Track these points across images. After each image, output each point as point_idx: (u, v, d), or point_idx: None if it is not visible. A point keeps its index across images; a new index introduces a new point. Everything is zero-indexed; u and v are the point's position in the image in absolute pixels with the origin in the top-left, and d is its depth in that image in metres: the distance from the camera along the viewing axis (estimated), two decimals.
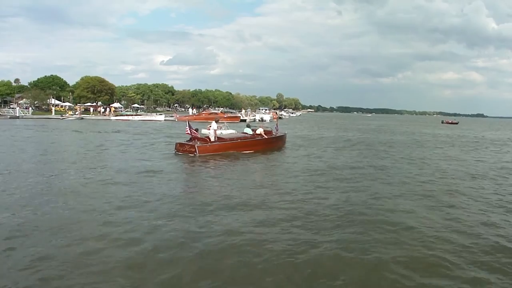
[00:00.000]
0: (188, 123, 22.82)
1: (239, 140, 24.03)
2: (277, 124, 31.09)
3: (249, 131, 25.69)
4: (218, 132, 24.36)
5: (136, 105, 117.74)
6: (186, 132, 22.44)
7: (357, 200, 12.03)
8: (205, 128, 26.71)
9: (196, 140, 22.04)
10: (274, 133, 27.07)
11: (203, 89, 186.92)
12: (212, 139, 22.64)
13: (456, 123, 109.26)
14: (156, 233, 8.48)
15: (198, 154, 20.92)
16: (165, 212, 10.12)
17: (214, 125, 23.71)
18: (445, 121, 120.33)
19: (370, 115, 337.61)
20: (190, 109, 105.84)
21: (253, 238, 8.37)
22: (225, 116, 74.55)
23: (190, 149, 21.41)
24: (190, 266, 6.96)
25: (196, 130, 22.75)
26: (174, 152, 22.26)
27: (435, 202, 12.17)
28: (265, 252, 7.61)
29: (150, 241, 7.98)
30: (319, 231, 8.89)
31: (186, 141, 22.59)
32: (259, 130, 25.86)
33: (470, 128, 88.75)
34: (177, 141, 23.49)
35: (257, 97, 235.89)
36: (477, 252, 7.93)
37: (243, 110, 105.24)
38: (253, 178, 15.94)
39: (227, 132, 26.16)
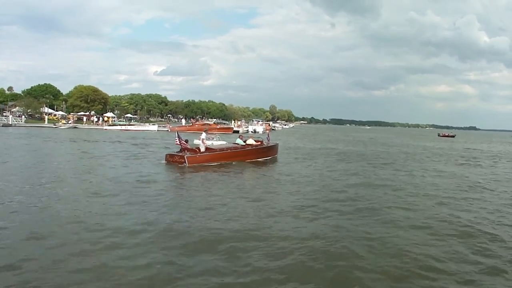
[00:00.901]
0: (178, 134, 23.02)
1: (229, 151, 24.30)
2: (268, 134, 31.46)
3: (240, 141, 25.97)
4: (209, 143, 24.60)
5: (129, 115, 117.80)
6: (176, 143, 22.71)
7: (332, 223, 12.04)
8: (197, 139, 26.92)
9: (186, 151, 22.27)
10: (265, 144, 27.42)
11: (196, 100, 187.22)
12: (202, 149, 22.87)
13: (453, 136, 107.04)
14: (136, 240, 8.75)
15: (187, 165, 21.15)
16: (149, 221, 10.36)
17: (203, 135, 23.99)
18: (441, 134, 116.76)
19: (369, 127, 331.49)
20: (183, 120, 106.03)
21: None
22: (218, 127, 74.99)
23: (180, 159, 21.66)
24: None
25: (186, 141, 22.95)
26: (164, 162, 22.50)
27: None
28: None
29: (131, 247, 8.26)
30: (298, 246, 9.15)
31: (177, 151, 22.87)
32: (250, 141, 26.26)
33: (469, 141, 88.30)
34: (167, 152, 23.84)
35: (250, 109, 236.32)
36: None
37: (233, 121, 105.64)
38: (240, 188, 16.09)
39: (218, 143, 26.44)
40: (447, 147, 54.48)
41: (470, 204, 14.42)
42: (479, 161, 33.82)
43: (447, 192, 16.73)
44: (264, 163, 24.57)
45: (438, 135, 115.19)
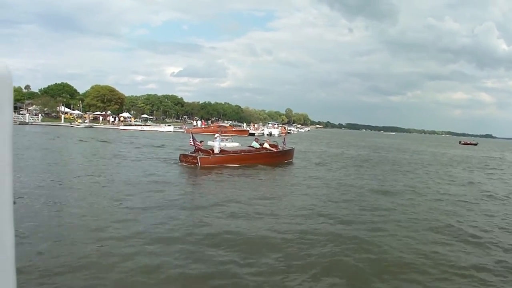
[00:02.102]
0: (192, 135, 23.01)
1: (242, 153, 24.10)
2: (284, 138, 31.11)
3: (255, 144, 25.61)
4: (222, 144, 24.35)
5: (145, 115, 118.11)
6: (190, 143, 22.72)
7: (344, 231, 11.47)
8: (211, 141, 26.76)
9: (199, 152, 22.20)
10: (280, 148, 26.96)
11: (212, 102, 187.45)
12: (216, 151, 22.76)
13: (475, 144, 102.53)
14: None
15: (200, 166, 21.10)
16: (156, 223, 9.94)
17: (217, 137, 24.02)
18: (463, 142, 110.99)
19: (393, 133, 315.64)
20: (198, 122, 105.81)
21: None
22: (234, 129, 74.81)
23: (193, 160, 21.66)
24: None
25: (201, 142, 23.04)
26: (178, 163, 22.49)
27: None
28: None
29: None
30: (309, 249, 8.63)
31: (190, 152, 22.80)
32: (265, 144, 25.85)
33: (495, 149, 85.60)
34: (181, 153, 23.75)
35: (266, 111, 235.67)
36: None
37: (245, 124, 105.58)
38: (248, 191, 15.71)
39: (231, 145, 26.12)
40: (487, 156, 53.00)
41: None
42: None
43: None
44: (278, 167, 23.97)
45: (460, 142, 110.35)
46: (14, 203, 0.91)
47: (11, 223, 0.85)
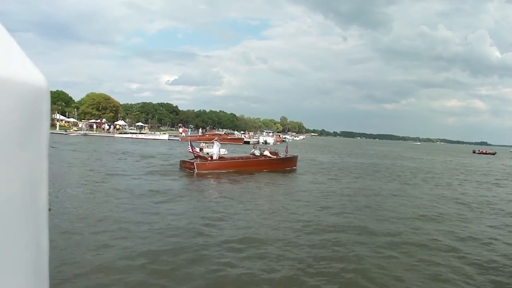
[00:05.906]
0: (190, 143, 23.41)
1: (240, 160, 24.30)
2: (287, 146, 30.96)
3: (256, 152, 25.70)
4: (209, 150, 24.50)
5: (140, 123, 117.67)
6: (189, 151, 23.05)
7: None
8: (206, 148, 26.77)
9: (197, 158, 22.66)
10: (281, 155, 26.92)
11: (207, 110, 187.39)
12: (215, 157, 22.99)
13: (493, 154, 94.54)
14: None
15: (196, 171, 21.53)
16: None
17: (215, 144, 24.14)
18: (478, 151, 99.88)
19: (419, 143, 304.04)
20: (200, 130, 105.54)
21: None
22: (229, 137, 74.64)
23: (190, 166, 22.16)
24: None
25: (201, 149, 23.88)
26: (178, 168, 22.91)
27: None
28: None
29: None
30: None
31: (190, 159, 23.11)
32: (266, 152, 25.91)
33: None
34: (181, 159, 24.26)
35: (261, 120, 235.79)
36: None
37: (236, 132, 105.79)
38: (238, 196, 15.64)
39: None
40: None
41: None
42: None
43: None
44: (277, 174, 23.69)
45: (474, 151, 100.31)
46: (50, 209, 0.97)
47: (47, 229, 0.90)
